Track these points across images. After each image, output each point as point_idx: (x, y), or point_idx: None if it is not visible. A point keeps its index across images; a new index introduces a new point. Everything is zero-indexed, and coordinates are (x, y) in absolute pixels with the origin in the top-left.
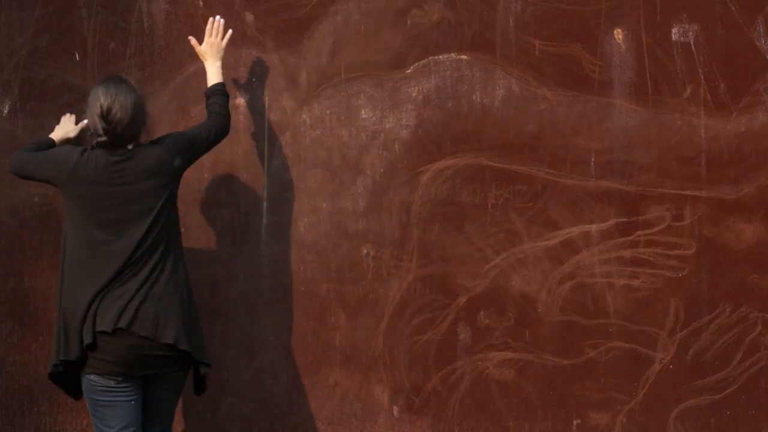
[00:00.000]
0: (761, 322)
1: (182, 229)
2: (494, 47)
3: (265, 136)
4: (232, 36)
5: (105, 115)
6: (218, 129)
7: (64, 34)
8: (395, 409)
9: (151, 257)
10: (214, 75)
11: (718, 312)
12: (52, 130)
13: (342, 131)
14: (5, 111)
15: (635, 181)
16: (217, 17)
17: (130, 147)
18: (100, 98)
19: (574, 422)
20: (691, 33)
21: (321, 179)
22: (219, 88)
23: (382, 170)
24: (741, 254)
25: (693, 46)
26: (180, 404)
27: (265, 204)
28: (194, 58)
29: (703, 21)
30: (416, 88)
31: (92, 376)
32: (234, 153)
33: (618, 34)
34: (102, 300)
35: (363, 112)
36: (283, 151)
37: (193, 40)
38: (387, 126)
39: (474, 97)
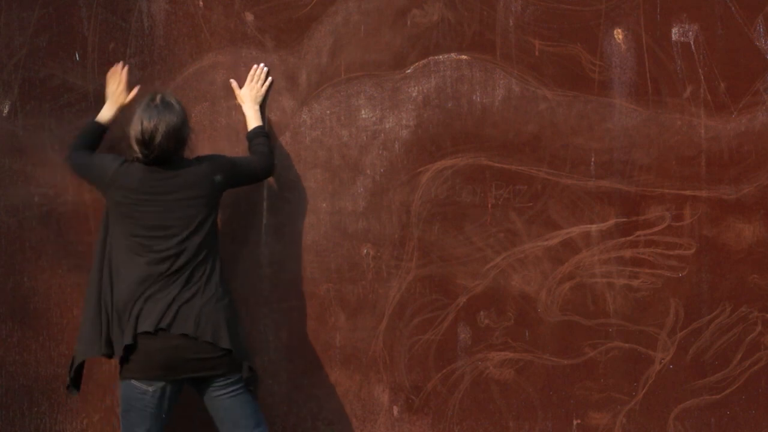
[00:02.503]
0: (761, 322)
1: None
2: (494, 47)
3: None
4: (232, 36)
5: (145, 142)
6: (263, 167)
7: (64, 34)
8: (395, 409)
9: (191, 263)
10: (253, 118)
11: (718, 312)
12: (52, 130)
13: (342, 131)
14: (5, 111)
15: (635, 181)
16: (261, 65)
17: (167, 166)
18: (142, 123)
19: (574, 422)
20: (691, 33)
21: (321, 179)
22: (260, 131)
23: (382, 170)
24: (741, 254)
25: (693, 46)
26: (180, 404)
27: (265, 204)
28: (194, 58)
29: (703, 21)
30: (416, 88)
31: (132, 381)
32: (234, 153)
33: (618, 34)
34: (145, 302)
35: (363, 112)
36: (283, 151)
37: (233, 83)
38: (387, 126)
39: (474, 97)
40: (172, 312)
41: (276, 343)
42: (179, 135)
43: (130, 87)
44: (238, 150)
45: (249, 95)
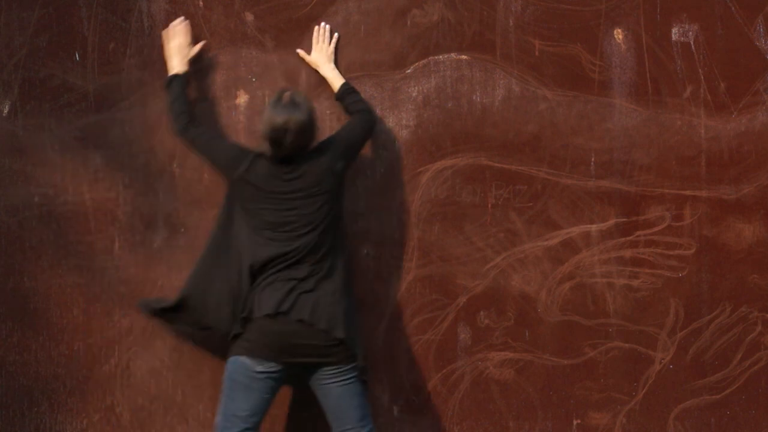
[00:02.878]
0: (761, 322)
1: (182, 230)
2: (494, 47)
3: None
4: (232, 36)
5: (277, 141)
6: (368, 126)
7: (64, 34)
8: (395, 409)
9: (313, 256)
10: (335, 77)
11: (718, 312)
12: (52, 130)
13: None
14: (5, 111)
15: (635, 181)
16: (323, 23)
17: (295, 166)
18: (274, 121)
19: (574, 422)
20: (691, 33)
21: None
22: (347, 87)
23: (382, 170)
24: (741, 254)
25: (693, 46)
26: (179, 404)
27: None
28: (194, 57)
29: (703, 21)
30: (416, 88)
31: (243, 358)
32: None
33: (618, 34)
34: (266, 287)
35: None
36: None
37: (301, 52)
38: (387, 126)
39: (474, 97)
40: (292, 298)
41: None
42: (309, 133)
43: (130, 86)
44: None
45: (321, 57)
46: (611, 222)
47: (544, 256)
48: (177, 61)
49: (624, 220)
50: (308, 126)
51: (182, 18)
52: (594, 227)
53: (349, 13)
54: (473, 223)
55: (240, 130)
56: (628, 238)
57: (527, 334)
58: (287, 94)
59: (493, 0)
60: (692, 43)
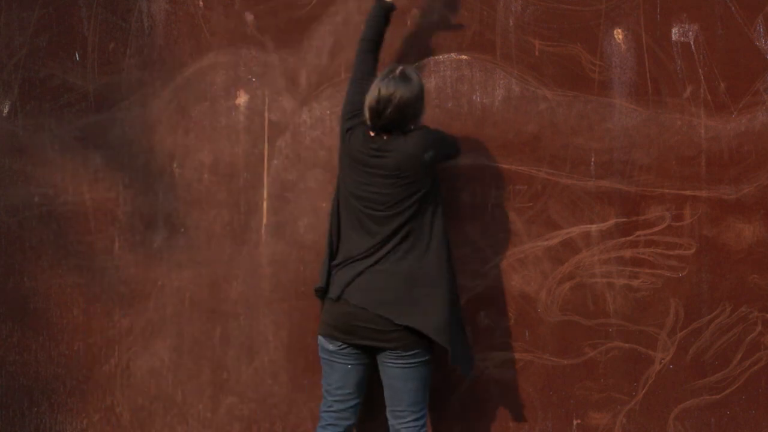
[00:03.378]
0: (761, 322)
1: (182, 230)
2: (494, 47)
3: (265, 136)
4: (232, 36)
5: (378, 111)
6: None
7: (64, 34)
8: None
9: (390, 237)
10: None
11: (718, 312)
12: (52, 130)
13: None
14: (5, 111)
15: (635, 181)
16: None
17: (387, 137)
18: (379, 91)
19: (574, 422)
20: (691, 33)
21: (321, 179)
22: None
23: None
24: (741, 254)
25: (693, 46)
26: (179, 404)
27: (265, 204)
28: (194, 58)
29: (703, 21)
30: None
31: (320, 337)
32: (234, 153)
33: (618, 34)
34: (341, 267)
35: None
36: (283, 151)
37: None
38: None
39: (474, 97)
40: (356, 281)
41: (276, 343)
42: (409, 110)
43: (130, 86)
44: (236, 150)
45: None
46: (611, 222)
47: (544, 256)
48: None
49: (624, 220)
50: (410, 102)
51: None
52: (594, 227)
53: (349, 13)
54: (473, 223)
55: (240, 130)
56: (628, 238)
57: (527, 334)
58: (399, 69)
59: (493, 0)
60: (692, 43)
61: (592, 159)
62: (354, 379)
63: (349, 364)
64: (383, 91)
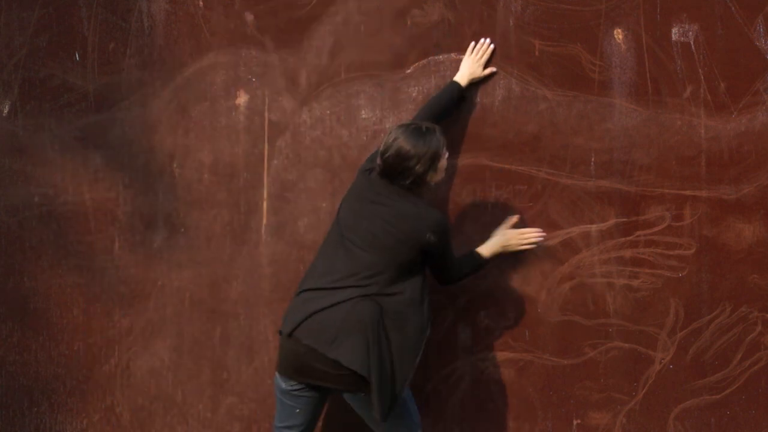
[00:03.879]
0: (761, 322)
1: (182, 230)
2: (494, 47)
3: (265, 136)
4: (232, 36)
5: (382, 152)
6: (447, 281)
7: (64, 34)
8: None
9: (365, 277)
10: (490, 250)
11: (718, 312)
12: (52, 130)
13: (342, 131)
14: (5, 111)
15: (635, 181)
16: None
17: (394, 192)
18: (389, 137)
19: (574, 422)
20: (691, 33)
21: (321, 179)
22: (482, 260)
23: None
24: (741, 254)
25: (693, 46)
26: (179, 404)
27: (265, 204)
28: (194, 58)
29: (703, 21)
30: (416, 88)
31: (276, 373)
32: (234, 153)
33: (618, 34)
34: (300, 300)
35: (363, 112)
36: (283, 151)
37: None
38: (387, 126)
39: (474, 97)
40: (310, 318)
41: (276, 343)
42: (407, 162)
43: (130, 86)
44: (236, 150)
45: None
46: (611, 222)
47: (544, 256)
48: (463, 74)
49: (624, 220)
50: (409, 156)
51: (489, 41)
52: (594, 227)
53: (349, 13)
54: (473, 223)
55: (240, 130)
56: (628, 238)
57: (527, 334)
58: (425, 125)
59: (493, 0)
60: (692, 43)
61: (592, 159)
62: (307, 418)
63: (306, 403)
64: (391, 136)
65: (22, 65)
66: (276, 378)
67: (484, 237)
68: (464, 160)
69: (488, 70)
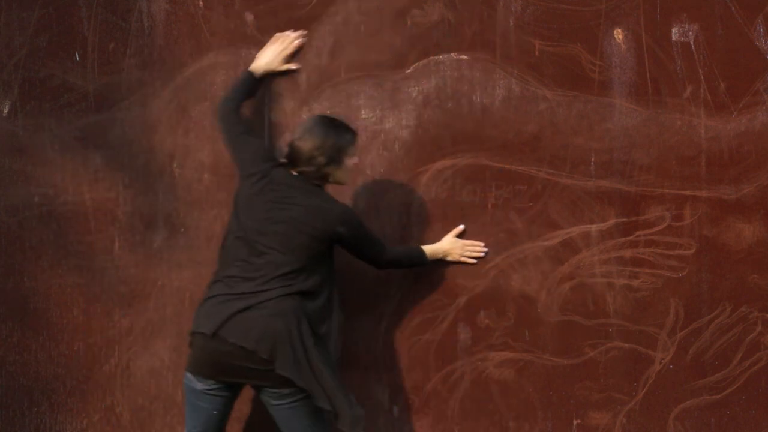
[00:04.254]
0: (761, 322)
1: (182, 230)
2: (494, 47)
3: (265, 136)
4: (232, 36)
5: (292, 139)
6: (378, 262)
7: (64, 34)
8: (395, 409)
9: (276, 274)
10: (431, 250)
11: (718, 312)
12: (52, 130)
13: None
14: (5, 111)
15: (635, 181)
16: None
17: (302, 179)
18: (301, 124)
19: (574, 422)
20: (691, 33)
21: None
22: (421, 254)
23: (382, 170)
24: (741, 254)
25: (693, 46)
26: (179, 404)
27: None
28: (194, 58)
29: (703, 21)
30: (416, 88)
31: (189, 374)
32: None
33: (618, 34)
34: (211, 301)
35: (363, 112)
36: (284, 151)
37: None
38: (387, 126)
39: (474, 97)
40: (232, 318)
41: None
42: (313, 152)
43: (130, 86)
44: None
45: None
46: (611, 222)
47: (544, 256)
48: (262, 62)
49: (624, 220)
50: (315, 149)
51: (300, 34)
52: (594, 227)
53: (349, 13)
54: (473, 223)
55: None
56: (628, 238)
57: (527, 334)
58: (336, 117)
59: (493, 0)
60: (692, 43)
61: (592, 159)
62: (216, 423)
63: (220, 404)
64: (304, 123)
65: (22, 65)
66: (188, 380)
67: (484, 237)
68: (464, 160)
69: (287, 66)
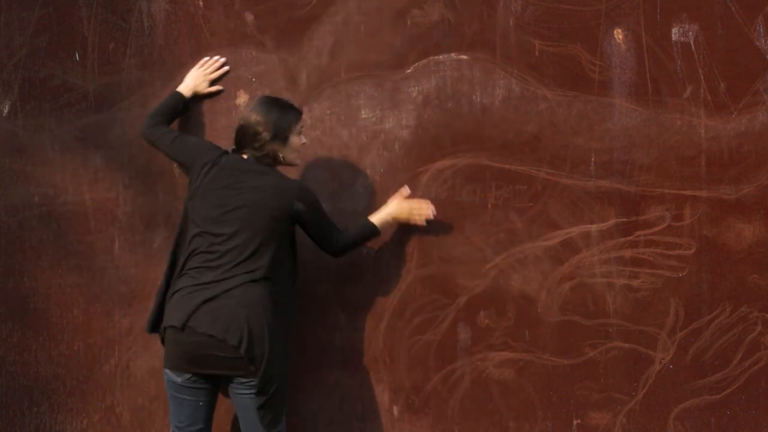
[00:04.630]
0: (761, 322)
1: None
2: (494, 47)
3: None
4: (232, 36)
5: (239, 126)
6: (335, 247)
7: (64, 34)
8: (395, 409)
9: (239, 262)
10: (384, 217)
11: (718, 312)
12: (52, 130)
13: (342, 131)
14: (5, 111)
15: (635, 181)
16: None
17: (253, 161)
18: (244, 109)
19: (574, 422)
20: (691, 33)
21: (321, 179)
22: (372, 228)
23: (382, 170)
24: (741, 254)
25: (693, 46)
26: None
27: None
28: (194, 58)
29: (703, 21)
30: (416, 88)
31: (167, 370)
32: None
33: (618, 34)
34: (178, 295)
35: (363, 112)
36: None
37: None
38: (387, 126)
39: (474, 97)
40: (200, 309)
41: None
42: (257, 128)
43: (130, 86)
44: None
45: (400, 209)
46: (611, 222)
47: (544, 256)
48: (189, 83)
49: (624, 220)
50: (258, 122)
51: (224, 61)
52: (594, 227)
53: (349, 13)
54: (473, 223)
55: None
56: (628, 238)
57: (527, 334)
58: (282, 99)
59: (493, 0)
60: (692, 43)
61: (592, 159)
62: (205, 413)
63: (202, 395)
64: (244, 111)
65: (22, 65)
66: (167, 375)
67: (484, 237)
68: (464, 160)
69: (213, 88)
